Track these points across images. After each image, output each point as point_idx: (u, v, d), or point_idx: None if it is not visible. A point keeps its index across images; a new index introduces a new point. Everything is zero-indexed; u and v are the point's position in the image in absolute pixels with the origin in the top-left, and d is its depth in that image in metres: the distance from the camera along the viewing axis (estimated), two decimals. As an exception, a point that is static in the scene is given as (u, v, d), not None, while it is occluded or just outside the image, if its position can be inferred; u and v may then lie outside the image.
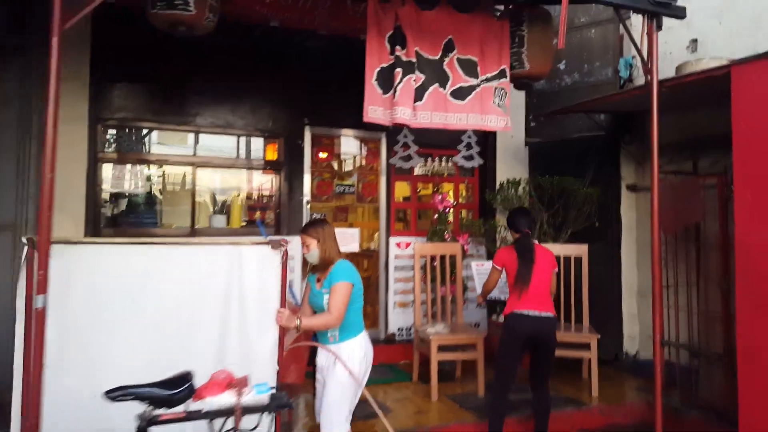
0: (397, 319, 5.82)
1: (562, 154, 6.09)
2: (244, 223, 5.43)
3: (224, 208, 5.53)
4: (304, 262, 3.61)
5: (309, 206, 5.51)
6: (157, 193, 5.22)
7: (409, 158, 5.95)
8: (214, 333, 2.87)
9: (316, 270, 3.20)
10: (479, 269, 5.42)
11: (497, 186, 5.96)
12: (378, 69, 3.81)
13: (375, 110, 3.83)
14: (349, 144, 5.78)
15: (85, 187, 4.52)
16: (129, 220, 4.90)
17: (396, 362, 5.57)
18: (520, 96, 6.34)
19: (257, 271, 2.96)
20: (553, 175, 5.51)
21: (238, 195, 5.50)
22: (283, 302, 3.00)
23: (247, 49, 5.08)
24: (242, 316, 2.93)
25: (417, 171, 5.92)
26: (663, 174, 4.18)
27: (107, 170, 4.83)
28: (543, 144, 6.32)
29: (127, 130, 4.97)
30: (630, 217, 5.83)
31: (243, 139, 5.33)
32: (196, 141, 5.10)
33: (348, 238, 5.67)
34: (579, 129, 6.02)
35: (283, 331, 2.98)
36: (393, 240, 5.88)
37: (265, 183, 5.52)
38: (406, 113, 3.82)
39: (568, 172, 5.58)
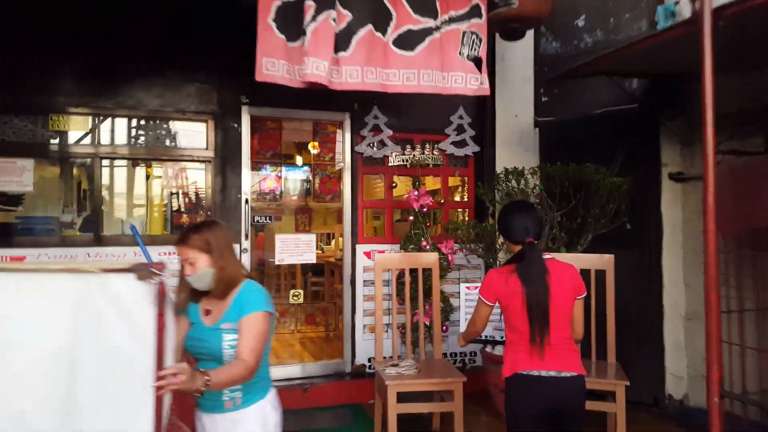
0: (368, 347, 4.57)
1: (582, 135, 4.69)
2: (167, 231, 4.32)
3: (147, 211, 4.45)
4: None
5: (249, 207, 4.34)
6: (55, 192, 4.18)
7: (381, 145, 4.70)
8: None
9: (201, 297, 2.06)
10: (468, 293, 4.11)
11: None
12: (278, 2, 2.58)
13: (274, 65, 2.63)
14: (302, 128, 4.58)
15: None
16: (18, 226, 3.86)
17: (363, 401, 4.33)
18: (527, 64, 4.98)
19: (121, 314, 1.77)
20: (572, 162, 4.13)
21: (162, 193, 4.38)
22: (160, 360, 1.78)
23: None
24: (96, 389, 1.76)
25: (393, 161, 4.66)
26: (720, 155, 2.93)
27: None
28: (557, 124, 4.93)
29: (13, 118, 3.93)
30: (674, 216, 4.37)
31: (163, 124, 4.21)
32: (99, 127, 4.02)
33: (302, 247, 4.47)
34: (604, 102, 4.61)
35: (160, 409, 1.77)
36: (361, 248, 4.64)
37: (198, 179, 4.39)
38: (321, 68, 2.61)
39: (590, 159, 4.18)
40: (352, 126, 4.64)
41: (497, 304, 2.50)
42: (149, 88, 4.12)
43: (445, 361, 3.89)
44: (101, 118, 4.06)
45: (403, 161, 4.66)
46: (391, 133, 4.71)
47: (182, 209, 4.33)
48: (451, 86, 2.82)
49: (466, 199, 5.15)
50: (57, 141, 3.92)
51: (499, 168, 4.74)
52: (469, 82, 2.85)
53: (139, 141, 4.14)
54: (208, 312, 2.03)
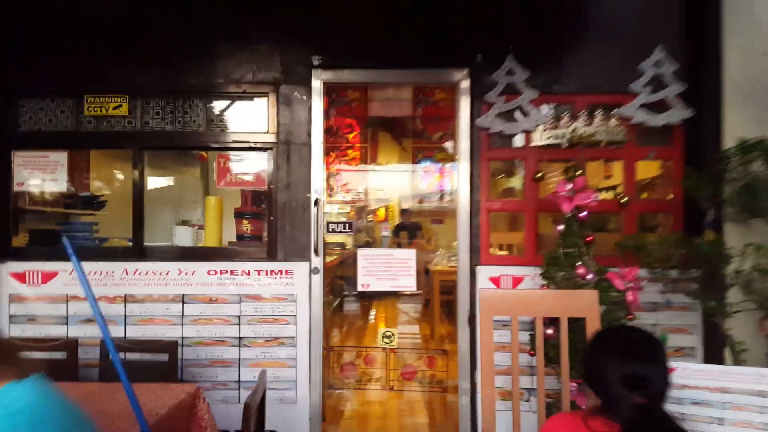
0: (502, 424, 2.94)
1: None
2: (228, 243, 3.32)
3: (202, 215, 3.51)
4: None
5: (320, 211, 3.10)
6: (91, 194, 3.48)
7: (520, 114, 3.06)
8: None
9: None
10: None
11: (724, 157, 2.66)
12: None
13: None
14: (398, 96, 3.17)
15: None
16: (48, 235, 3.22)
17: None
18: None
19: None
20: None
21: (210, 190, 3.40)
22: None
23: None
24: None
25: (539, 139, 3.00)
26: None
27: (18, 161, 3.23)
28: None
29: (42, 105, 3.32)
30: None
31: (212, 102, 3.22)
32: (141, 111, 3.18)
33: (395, 267, 3.09)
34: None
35: None
36: (485, 272, 3.05)
37: (258, 172, 3.31)
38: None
39: None
40: (472, 89, 3.10)
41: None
42: (191, 60, 3.17)
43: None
44: (136, 99, 3.22)
45: (556, 139, 2.95)
46: (535, 95, 3.05)
47: (245, 213, 3.29)
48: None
49: (667, 197, 3.18)
50: (92, 127, 3.19)
51: (728, 142, 2.74)
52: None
53: (181, 125, 3.21)
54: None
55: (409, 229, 6.92)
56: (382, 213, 7.91)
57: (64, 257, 3.23)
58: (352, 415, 3.45)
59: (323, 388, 3.16)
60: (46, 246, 3.16)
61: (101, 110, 3.17)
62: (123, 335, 3.07)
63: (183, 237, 3.27)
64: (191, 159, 4.98)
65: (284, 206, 3.14)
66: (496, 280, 3.05)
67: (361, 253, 3.15)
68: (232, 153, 3.24)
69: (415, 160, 4.81)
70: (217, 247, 3.25)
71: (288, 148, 3.16)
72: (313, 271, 3.11)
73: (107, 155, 4.36)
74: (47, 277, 3.06)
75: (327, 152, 3.22)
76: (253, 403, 1.92)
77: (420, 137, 3.35)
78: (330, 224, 3.19)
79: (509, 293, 2.60)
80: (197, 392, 2.33)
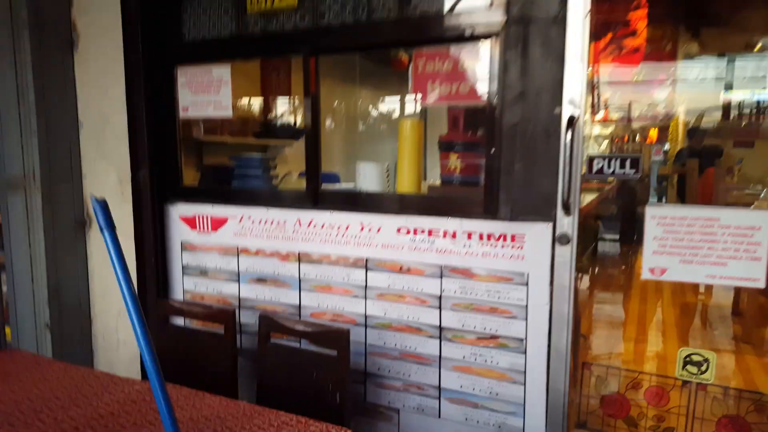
0: None
1: None
2: (428, 188, 2.27)
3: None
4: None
5: (575, 133, 1.79)
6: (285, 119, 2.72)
7: None
8: None
9: None
10: None
11: None
12: None
13: None
14: None
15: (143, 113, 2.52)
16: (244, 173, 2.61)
17: None
18: None
19: None
20: None
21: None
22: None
23: None
24: None
25: None
26: None
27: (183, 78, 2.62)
28: None
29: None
30: None
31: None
32: (314, 2, 2.24)
33: (721, 243, 1.66)
34: None
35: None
36: None
37: (475, 74, 2.09)
38: None
39: None
40: None
41: None
42: None
43: None
44: None
45: None
46: None
47: (449, 144, 2.17)
48: None
49: None
50: (259, 28, 2.38)
51: None
52: None
53: (366, 14, 2.16)
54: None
55: (703, 154, 4.94)
56: (654, 133, 5.94)
57: (236, 200, 2.65)
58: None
59: (568, 426, 1.99)
60: (216, 186, 2.58)
61: (266, 3, 2.33)
62: (297, 303, 2.35)
63: (368, 178, 2.33)
64: (381, 68, 3.95)
65: (514, 130, 1.91)
66: None
67: (652, 213, 1.77)
68: (435, 49, 2.09)
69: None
70: (410, 195, 2.22)
71: (524, 30, 1.87)
72: (558, 239, 1.87)
73: (277, 66, 3.63)
74: (217, 223, 2.49)
75: (595, 36, 1.83)
76: None
77: (734, 26, 1.70)
78: (594, 161, 1.86)
79: None
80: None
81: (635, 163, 1.86)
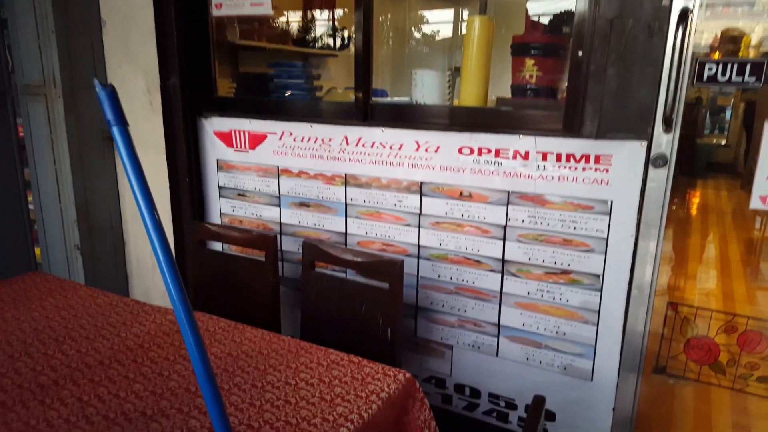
0: None
1: None
2: (496, 100, 1.97)
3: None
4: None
5: (687, 32, 1.44)
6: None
7: None
8: None
9: None
10: None
11: None
12: None
13: None
14: None
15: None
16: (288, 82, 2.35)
17: None
18: None
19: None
20: None
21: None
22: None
23: None
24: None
25: None
26: None
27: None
28: None
29: None
30: None
31: None
32: None
33: None
34: None
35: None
36: None
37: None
38: None
39: None
40: None
41: None
42: None
43: None
44: None
45: None
46: None
47: (524, 47, 1.83)
48: None
49: None
50: None
51: None
52: None
53: None
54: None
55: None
56: (748, 39, 5.29)
57: (275, 114, 2.40)
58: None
59: (644, 370, 1.78)
60: (253, 97, 2.33)
61: None
62: (343, 230, 2.15)
63: (427, 89, 2.03)
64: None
65: (607, 28, 1.57)
66: None
67: (779, 130, 1.44)
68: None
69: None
70: (476, 108, 1.93)
71: None
72: (653, 161, 1.58)
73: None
74: (255, 140, 2.27)
75: None
76: None
77: None
78: (706, 66, 1.52)
79: None
80: (413, 389, 1.24)
81: (759, 69, 1.51)
